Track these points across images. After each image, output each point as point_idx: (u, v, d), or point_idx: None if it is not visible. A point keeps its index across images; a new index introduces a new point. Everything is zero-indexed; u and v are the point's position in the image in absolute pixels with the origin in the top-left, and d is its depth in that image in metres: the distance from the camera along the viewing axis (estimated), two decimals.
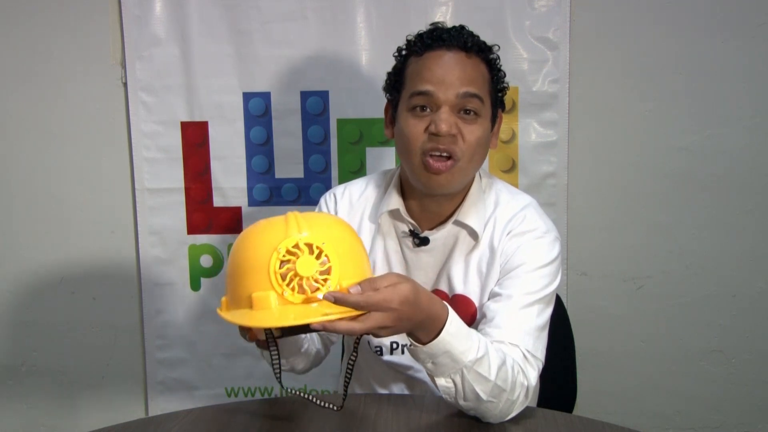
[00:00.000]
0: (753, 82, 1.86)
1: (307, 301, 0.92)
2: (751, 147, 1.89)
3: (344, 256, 0.94)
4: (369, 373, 1.35)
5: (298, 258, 0.91)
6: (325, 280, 0.92)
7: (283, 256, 0.91)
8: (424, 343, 1.01)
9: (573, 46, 1.86)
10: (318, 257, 0.92)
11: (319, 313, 0.91)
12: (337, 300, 0.92)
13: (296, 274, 0.91)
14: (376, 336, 0.98)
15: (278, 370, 1.07)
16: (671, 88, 1.87)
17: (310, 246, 0.92)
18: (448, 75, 1.14)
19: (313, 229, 0.94)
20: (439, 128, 1.13)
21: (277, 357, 1.06)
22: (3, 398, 2.10)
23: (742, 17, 1.83)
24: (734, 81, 1.86)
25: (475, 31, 1.21)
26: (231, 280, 0.97)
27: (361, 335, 1.03)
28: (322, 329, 0.92)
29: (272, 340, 1.04)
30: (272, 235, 0.94)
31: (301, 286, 0.91)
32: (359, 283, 0.94)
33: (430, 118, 1.15)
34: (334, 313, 0.91)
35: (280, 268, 0.91)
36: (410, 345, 1.03)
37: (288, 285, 0.91)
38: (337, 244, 0.95)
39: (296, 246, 0.92)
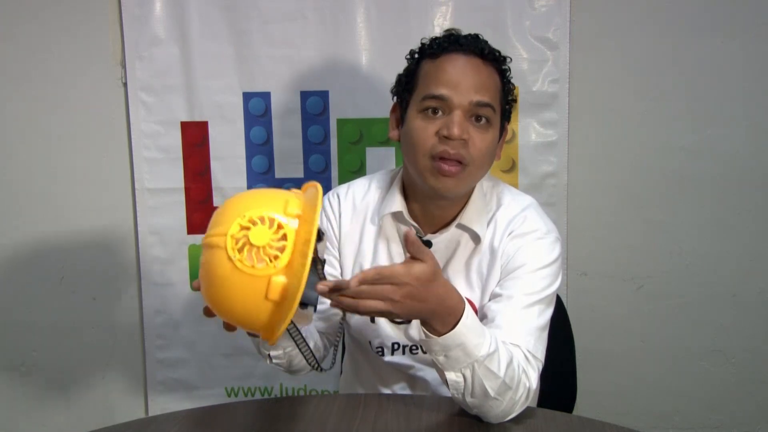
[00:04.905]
0: (753, 82, 1.86)
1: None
2: (750, 147, 1.89)
3: (262, 203, 0.92)
4: (371, 374, 1.35)
5: (248, 240, 0.88)
6: (279, 225, 0.89)
7: (240, 253, 0.88)
8: (439, 334, 1.00)
9: (573, 46, 1.86)
10: (255, 224, 0.89)
11: (308, 243, 0.88)
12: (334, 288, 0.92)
13: (263, 247, 0.88)
14: (390, 317, 0.97)
15: (308, 350, 1.04)
16: (671, 88, 1.87)
17: (242, 228, 0.89)
18: (464, 79, 1.14)
19: (226, 223, 0.91)
20: (452, 132, 1.12)
21: (302, 340, 1.03)
22: (3, 398, 2.10)
23: (742, 17, 1.83)
24: (734, 81, 1.86)
25: (475, 31, 1.20)
26: (245, 320, 0.94)
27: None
28: (336, 305, 0.92)
29: (294, 328, 1.01)
30: (217, 260, 0.90)
31: (276, 248, 0.88)
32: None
33: (442, 122, 1.14)
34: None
35: (250, 262, 0.88)
36: (425, 337, 1.02)
37: (270, 260, 0.88)
38: (246, 205, 0.92)
39: (236, 240, 0.89)
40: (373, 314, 0.97)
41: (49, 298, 2.05)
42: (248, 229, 0.89)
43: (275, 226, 0.90)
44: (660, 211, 1.93)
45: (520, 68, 1.85)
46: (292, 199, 0.94)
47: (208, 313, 0.97)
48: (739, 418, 2.01)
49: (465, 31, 1.21)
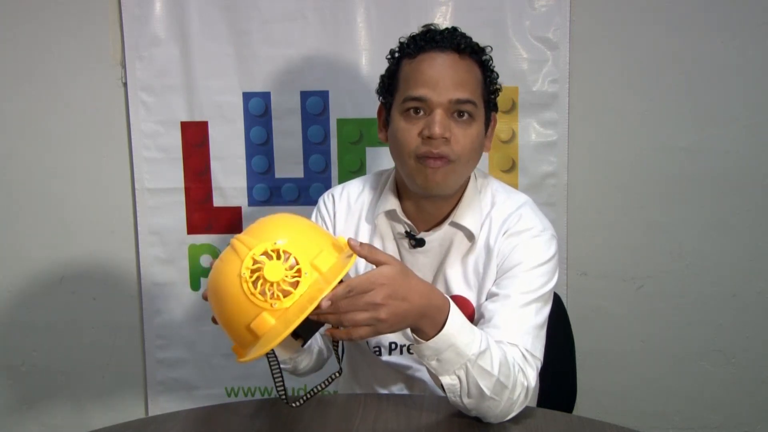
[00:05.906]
0: (753, 82, 1.86)
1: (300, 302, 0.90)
2: (750, 147, 1.89)
3: (300, 242, 0.93)
4: (369, 374, 1.35)
5: (262, 269, 0.89)
6: (298, 271, 0.90)
7: (250, 276, 0.89)
8: (429, 338, 1.00)
9: (573, 46, 1.86)
10: (279, 257, 0.90)
11: (313, 301, 0.89)
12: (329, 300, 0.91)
13: (273, 283, 0.89)
14: (378, 331, 0.97)
15: (281, 386, 1.07)
16: (671, 88, 1.87)
17: (266, 253, 0.91)
18: (442, 78, 1.14)
19: (260, 238, 0.92)
20: (433, 132, 1.12)
21: (279, 376, 1.06)
22: (3, 398, 2.10)
23: (742, 17, 1.83)
24: (734, 81, 1.86)
25: (475, 31, 1.20)
26: (226, 328, 0.96)
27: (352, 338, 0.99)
28: (316, 318, 0.93)
29: (274, 359, 1.04)
30: (229, 267, 0.92)
31: (282, 290, 0.89)
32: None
33: (423, 122, 1.15)
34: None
35: (255, 288, 0.90)
36: (415, 343, 1.02)
37: (271, 297, 0.89)
38: (288, 234, 0.93)
39: (254, 261, 0.90)
40: (361, 329, 0.95)
41: (49, 298, 2.05)
42: (270, 258, 0.90)
43: (294, 270, 0.90)
44: (660, 211, 1.93)
45: (520, 68, 1.85)
46: (328, 251, 0.94)
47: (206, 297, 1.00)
48: (739, 418, 2.01)
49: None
